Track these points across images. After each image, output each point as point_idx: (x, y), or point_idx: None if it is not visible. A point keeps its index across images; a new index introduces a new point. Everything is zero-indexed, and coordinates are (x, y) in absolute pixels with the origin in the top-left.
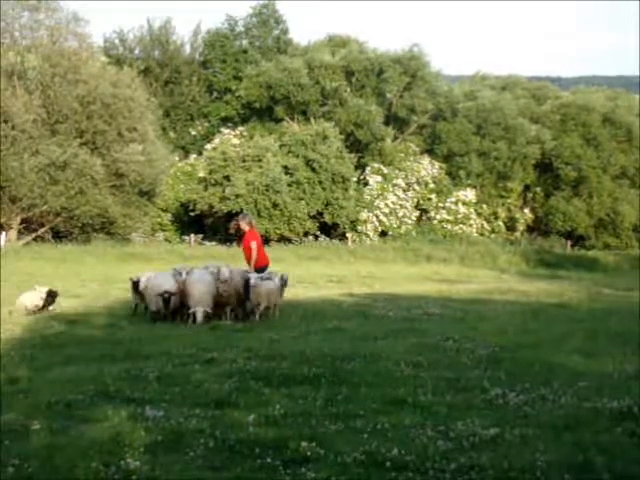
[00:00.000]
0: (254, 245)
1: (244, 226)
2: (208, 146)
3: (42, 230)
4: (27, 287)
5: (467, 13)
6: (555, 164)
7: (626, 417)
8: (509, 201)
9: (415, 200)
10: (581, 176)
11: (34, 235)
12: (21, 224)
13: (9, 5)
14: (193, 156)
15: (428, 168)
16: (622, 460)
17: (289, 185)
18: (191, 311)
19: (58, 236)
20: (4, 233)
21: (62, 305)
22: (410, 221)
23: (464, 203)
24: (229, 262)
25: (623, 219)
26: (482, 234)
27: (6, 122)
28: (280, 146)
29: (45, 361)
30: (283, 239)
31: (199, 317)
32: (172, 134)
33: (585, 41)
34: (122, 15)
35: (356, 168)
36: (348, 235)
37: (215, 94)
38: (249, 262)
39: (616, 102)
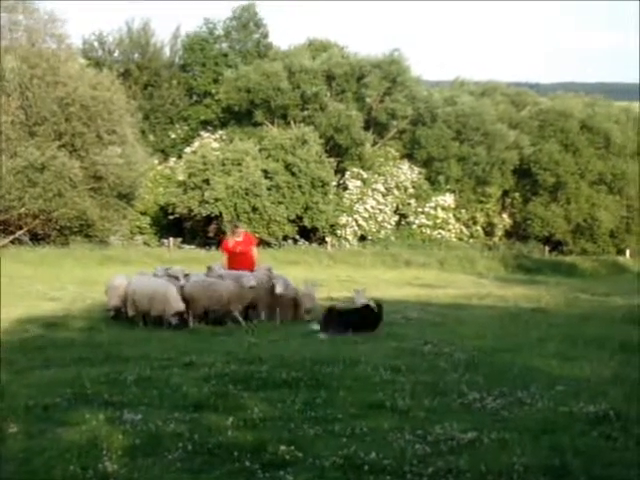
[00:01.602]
0: (255, 251)
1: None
2: (187, 149)
3: (20, 232)
4: (5, 290)
5: (447, 19)
6: (533, 170)
7: (602, 421)
8: (488, 206)
9: (394, 205)
10: (559, 182)
11: (11, 237)
12: None
13: None
14: (172, 159)
15: (407, 173)
16: (598, 463)
17: (268, 189)
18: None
19: (36, 239)
20: None
21: (41, 308)
22: (389, 226)
23: (443, 208)
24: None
25: (600, 225)
26: (461, 239)
27: None
28: (260, 150)
29: (23, 364)
30: (262, 243)
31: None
32: (151, 137)
33: (564, 48)
34: (96, 14)
35: (336, 172)
36: (327, 239)
37: (195, 97)
38: (250, 266)
39: (594, 109)
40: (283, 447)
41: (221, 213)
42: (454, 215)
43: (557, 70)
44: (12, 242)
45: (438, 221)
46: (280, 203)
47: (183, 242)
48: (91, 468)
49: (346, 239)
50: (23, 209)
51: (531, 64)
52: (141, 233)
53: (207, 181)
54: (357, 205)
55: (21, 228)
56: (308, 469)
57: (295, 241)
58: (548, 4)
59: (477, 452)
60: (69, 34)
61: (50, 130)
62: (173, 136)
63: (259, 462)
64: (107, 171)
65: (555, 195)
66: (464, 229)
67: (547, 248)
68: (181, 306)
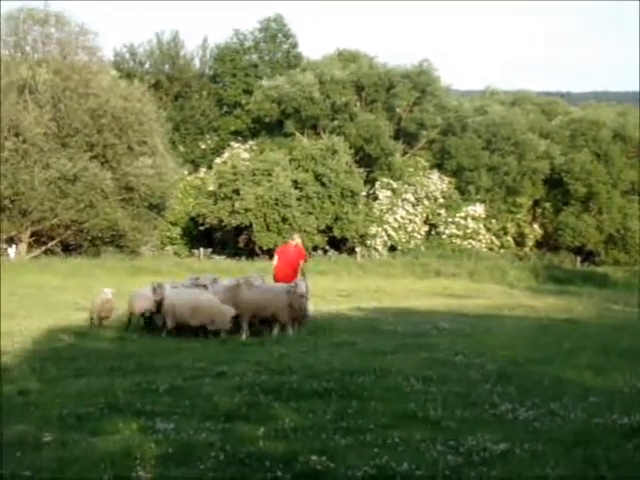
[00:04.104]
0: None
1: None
2: (218, 160)
3: (52, 243)
4: (36, 300)
5: (476, 28)
6: (565, 179)
7: (637, 433)
8: (518, 216)
9: (424, 215)
10: (591, 192)
11: (44, 248)
12: (31, 237)
13: (20, 19)
14: (203, 170)
15: (437, 183)
16: (633, 476)
17: (298, 199)
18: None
19: (68, 249)
20: (14, 246)
21: (72, 318)
22: (419, 236)
23: (473, 218)
24: (236, 276)
25: (633, 235)
26: (491, 249)
27: (17, 135)
28: (290, 160)
29: (55, 374)
30: None
31: None
32: (182, 148)
33: (595, 56)
34: (126, 26)
35: (365, 183)
36: (357, 249)
37: (225, 108)
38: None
39: (626, 118)
40: (314, 457)
41: (251, 223)
42: (484, 225)
43: (587, 79)
44: (44, 253)
45: (468, 231)
46: (310, 213)
47: (213, 252)
48: (124, 477)
49: (376, 249)
50: (55, 220)
51: (561, 73)
52: (172, 243)
53: (237, 191)
54: (387, 215)
55: (53, 239)
56: (340, 479)
57: (325, 251)
58: (578, 13)
59: (510, 463)
60: (100, 46)
61: (82, 141)
62: (203, 147)
63: (290, 472)
64: (138, 182)
65: (587, 205)
66: (494, 239)
67: (579, 258)
68: (232, 311)
